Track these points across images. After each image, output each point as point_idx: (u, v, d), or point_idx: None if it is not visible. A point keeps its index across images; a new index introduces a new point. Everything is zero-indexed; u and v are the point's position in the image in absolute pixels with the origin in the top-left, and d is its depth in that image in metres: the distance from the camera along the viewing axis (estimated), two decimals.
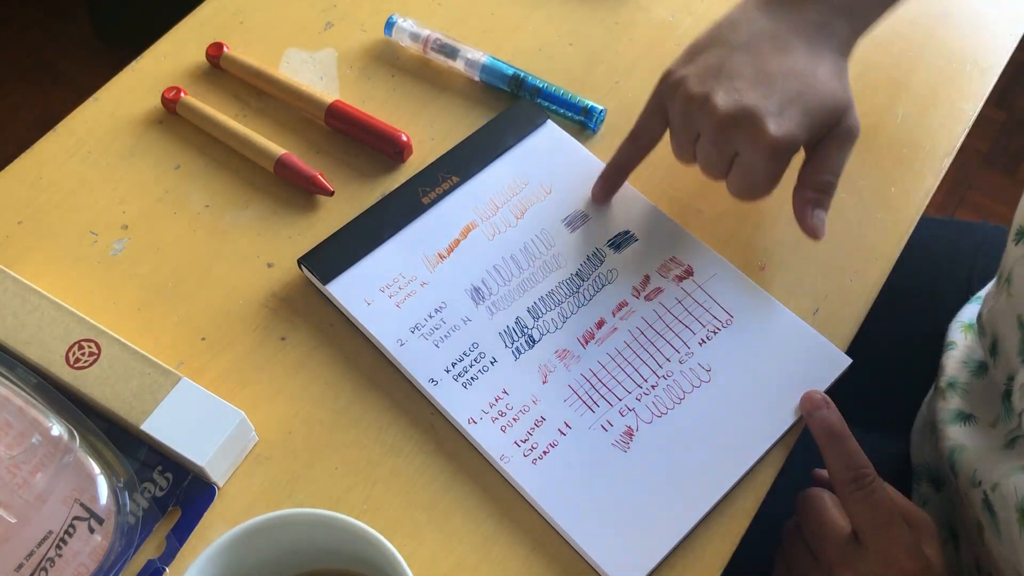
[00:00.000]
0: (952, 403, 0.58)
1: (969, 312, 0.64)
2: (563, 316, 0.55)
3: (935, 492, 0.61)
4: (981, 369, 0.59)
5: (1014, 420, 0.51)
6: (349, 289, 0.55)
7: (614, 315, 0.55)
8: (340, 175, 0.61)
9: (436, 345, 0.53)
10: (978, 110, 0.64)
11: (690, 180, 0.61)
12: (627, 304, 0.55)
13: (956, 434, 0.55)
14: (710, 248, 0.57)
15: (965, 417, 0.56)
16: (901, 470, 0.65)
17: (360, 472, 0.51)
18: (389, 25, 0.66)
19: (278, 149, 0.60)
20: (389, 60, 0.66)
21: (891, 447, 0.67)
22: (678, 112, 0.52)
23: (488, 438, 0.51)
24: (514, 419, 0.51)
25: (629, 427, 0.51)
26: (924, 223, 0.79)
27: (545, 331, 0.54)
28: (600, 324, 0.54)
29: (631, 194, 0.59)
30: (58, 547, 0.46)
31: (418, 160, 0.61)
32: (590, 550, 0.48)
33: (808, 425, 0.51)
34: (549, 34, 0.67)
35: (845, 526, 0.49)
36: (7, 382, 0.49)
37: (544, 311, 0.55)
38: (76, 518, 0.47)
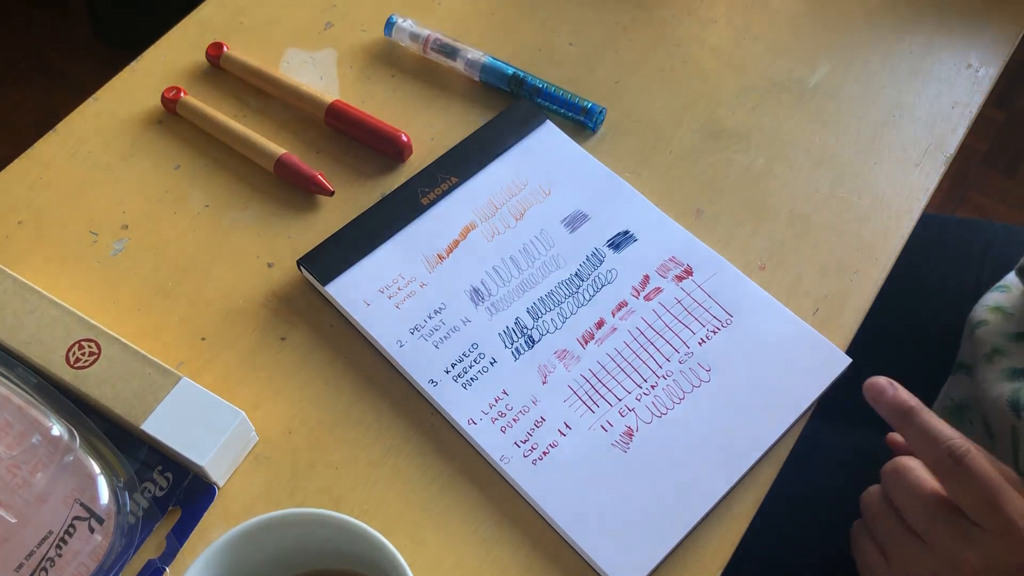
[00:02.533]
0: (1001, 364, 0.59)
1: (992, 299, 0.65)
2: (563, 316, 0.55)
3: None
4: (1022, 337, 0.60)
5: None
6: (348, 290, 0.55)
7: (614, 315, 0.55)
8: (340, 175, 0.61)
9: (436, 346, 0.53)
10: (978, 110, 0.64)
11: (690, 180, 0.61)
12: (627, 304, 0.55)
13: (1010, 390, 0.56)
14: (710, 248, 0.57)
15: (1019, 372, 0.58)
16: None
17: (360, 472, 0.51)
18: (389, 25, 0.66)
19: (278, 149, 0.60)
20: (389, 60, 0.66)
21: None
22: None
23: (488, 439, 0.51)
24: (514, 420, 0.51)
25: (629, 427, 0.51)
26: (933, 221, 0.79)
27: (545, 331, 0.54)
28: (600, 324, 0.54)
29: (631, 194, 0.59)
30: (58, 547, 0.46)
31: (418, 160, 0.61)
32: (590, 550, 0.48)
33: (879, 413, 0.48)
34: (549, 34, 0.67)
35: (950, 500, 0.44)
36: (7, 382, 0.49)
37: (544, 311, 0.55)
38: (76, 518, 0.47)
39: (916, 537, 0.45)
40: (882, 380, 0.49)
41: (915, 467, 0.46)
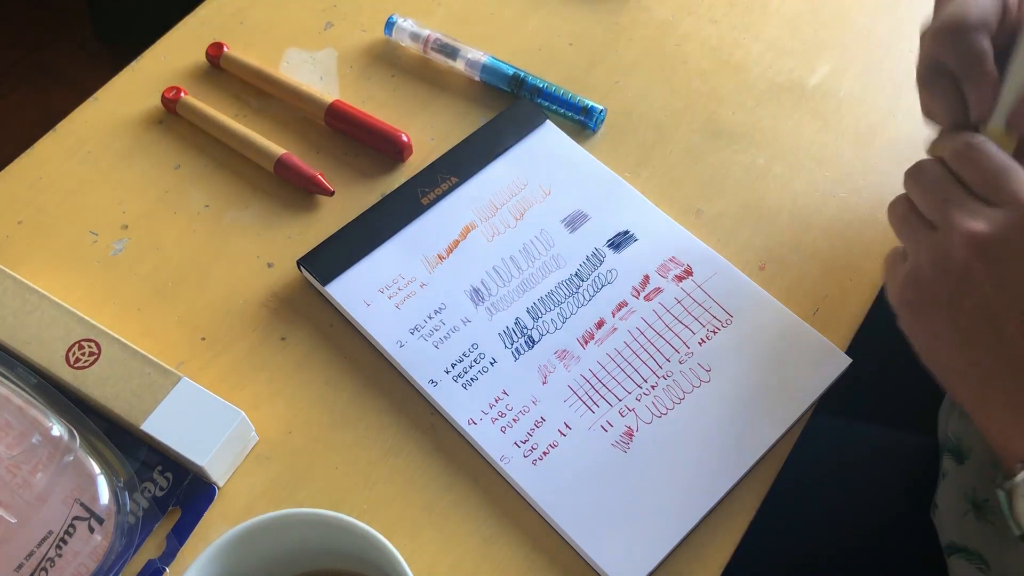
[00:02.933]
0: None
1: None
2: (563, 316, 0.55)
3: (957, 465, 0.61)
4: None
5: None
6: (348, 290, 0.55)
7: (614, 315, 0.55)
8: (340, 175, 0.61)
9: (436, 346, 0.53)
10: None
11: (690, 180, 0.61)
12: (627, 304, 0.55)
13: None
14: (710, 248, 0.57)
15: None
16: (930, 463, 0.65)
17: (360, 472, 0.51)
18: (389, 25, 0.66)
19: (278, 149, 0.60)
20: (389, 60, 0.66)
21: (915, 440, 0.66)
22: None
23: (488, 439, 0.51)
24: (514, 420, 0.51)
25: (629, 427, 0.51)
26: None
27: (545, 331, 0.54)
28: (600, 324, 0.54)
29: (631, 194, 0.59)
30: (58, 547, 0.46)
31: (418, 160, 0.61)
32: (590, 550, 0.48)
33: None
34: (549, 34, 0.67)
35: (963, 185, 0.43)
36: (7, 382, 0.49)
37: (544, 311, 0.55)
38: (76, 518, 0.47)
39: (931, 226, 0.44)
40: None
41: (931, 166, 0.45)
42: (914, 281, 0.43)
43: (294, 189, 0.60)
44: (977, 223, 0.41)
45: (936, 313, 0.43)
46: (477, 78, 0.64)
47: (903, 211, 0.46)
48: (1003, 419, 0.42)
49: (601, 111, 0.62)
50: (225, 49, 0.65)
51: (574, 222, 0.58)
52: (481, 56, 0.64)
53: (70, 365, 0.51)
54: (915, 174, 0.45)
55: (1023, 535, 0.43)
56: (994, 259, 0.41)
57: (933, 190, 0.44)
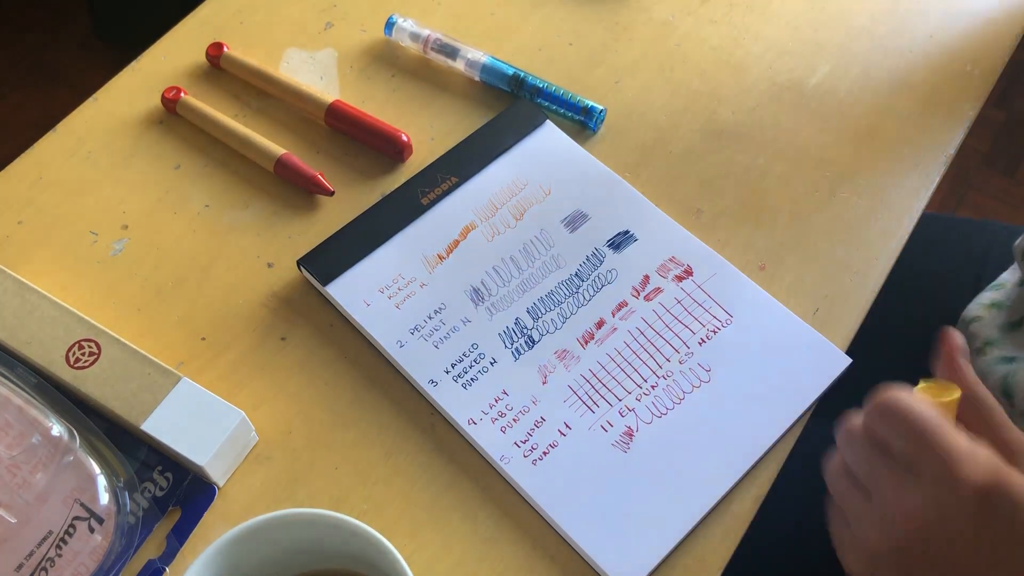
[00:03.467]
0: (993, 354, 0.60)
1: (988, 297, 0.66)
2: (563, 316, 0.55)
3: None
4: (1014, 327, 0.61)
5: None
6: (348, 290, 0.55)
7: (614, 315, 0.55)
8: (340, 175, 0.61)
9: (436, 346, 0.53)
10: (978, 110, 0.64)
11: (690, 180, 0.61)
12: (627, 304, 0.55)
13: (1004, 371, 0.57)
14: (710, 248, 0.57)
15: (1010, 359, 0.59)
16: None
17: (360, 472, 0.51)
18: (389, 25, 0.66)
19: (278, 149, 0.60)
20: (389, 60, 0.66)
21: None
22: None
23: (488, 439, 0.51)
24: (514, 420, 0.51)
25: (629, 427, 0.51)
26: (933, 221, 0.79)
27: (545, 332, 0.54)
28: (600, 324, 0.54)
29: (631, 194, 0.59)
30: (58, 547, 0.46)
31: (418, 160, 0.61)
32: (590, 550, 0.48)
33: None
34: (549, 34, 0.67)
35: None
36: (7, 382, 0.49)
37: (544, 311, 0.55)
38: (76, 518, 0.47)
39: (865, 492, 0.41)
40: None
41: (858, 431, 0.42)
42: (870, 556, 0.41)
43: (294, 189, 0.60)
44: (908, 501, 0.38)
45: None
46: (477, 78, 0.64)
47: (836, 473, 0.43)
48: None
49: (601, 111, 0.62)
50: (225, 49, 0.65)
51: (574, 222, 0.58)
52: (481, 56, 0.64)
53: (70, 365, 0.51)
54: (845, 438, 0.42)
55: None
56: (928, 539, 0.38)
57: (860, 451, 0.41)
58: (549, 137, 0.61)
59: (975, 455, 0.38)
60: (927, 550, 0.39)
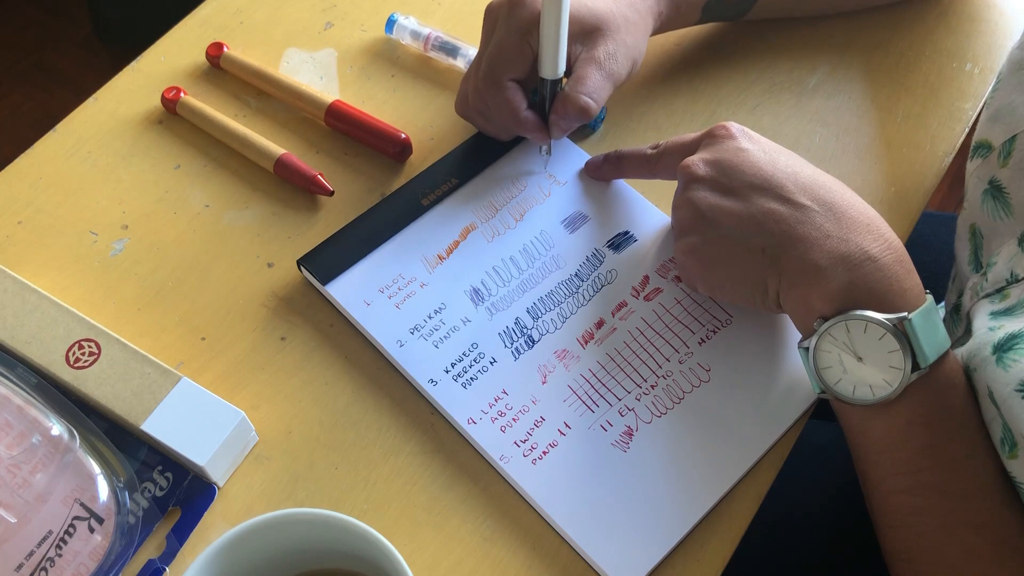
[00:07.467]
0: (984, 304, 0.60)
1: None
2: (562, 316, 0.55)
3: None
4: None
5: (960, 327, 0.54)
6: (348, 290, 0.55)
7: (613, 315, 0.55)
8: (340, 175, 0.61)
9: (436, 346, 0.53)
10: (978, 110, 0.64)
11: None
12: (626, 304, 0.55)
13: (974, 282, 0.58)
14: None
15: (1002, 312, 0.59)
16: None
17: (360, 472, 0.51)
18: (390, 23, 0.66)
19: (278, 149, 0.60)
20: (389, 60, 0.66)
21: None
22: None
23: (488, 438, 0.51)
24: (514, 419, 0.51)
25: (629, 427, 0.51)
26: (933, 221, 0.79)
27: (544, 331, 0.54)
28: (599, 324, 0.54)
29: (630, 195, 0.59)
30: (58, 547, 0.46)
31: (418, 160, 0.61)
32: (590, 550, 0.48)
33: (601, 178, 0.59)
34: None
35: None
36: (7, 382, 0.49)
37: (543, 312, 0.55)
38: (76, 518, 0.47)
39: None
40: (593, 159, 0.59)
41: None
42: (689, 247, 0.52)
43: (294, 189, 0.60)
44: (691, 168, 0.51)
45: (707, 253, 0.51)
46: None
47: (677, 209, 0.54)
48: (794, 298, 0.48)
49: (601, 111, 0.62)
50: (225, 49, 0.65)
51: (574, 223, 0.58)
52: None
53: (70, 365, 0.51)
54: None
55: (823, 391, 0.47)
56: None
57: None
58: None
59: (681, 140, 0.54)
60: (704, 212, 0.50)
